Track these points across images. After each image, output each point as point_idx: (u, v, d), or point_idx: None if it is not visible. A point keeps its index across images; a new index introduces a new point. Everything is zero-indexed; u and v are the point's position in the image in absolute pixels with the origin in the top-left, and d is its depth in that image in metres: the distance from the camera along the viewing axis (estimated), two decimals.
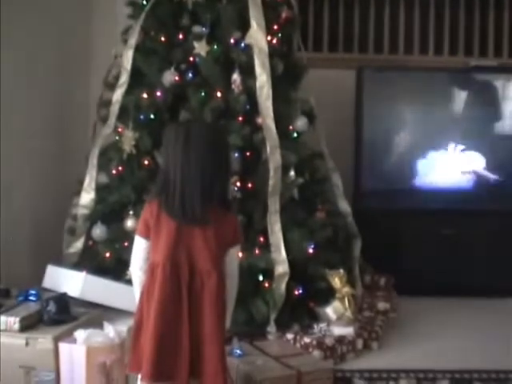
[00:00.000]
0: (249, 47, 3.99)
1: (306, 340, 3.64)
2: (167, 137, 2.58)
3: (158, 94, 4.03)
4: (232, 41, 4.04)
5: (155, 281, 2.51)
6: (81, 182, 4.13)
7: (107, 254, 3.94)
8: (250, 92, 3.97)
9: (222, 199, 2.58)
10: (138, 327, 2.57)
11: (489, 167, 4.95)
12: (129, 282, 3.14)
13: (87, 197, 4.09)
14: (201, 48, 4.00)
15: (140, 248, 2.60)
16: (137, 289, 2.63)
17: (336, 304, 3.82)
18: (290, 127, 4.10)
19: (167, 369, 2.50)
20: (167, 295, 2.49)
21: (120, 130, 4.07)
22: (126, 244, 3.79)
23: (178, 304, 2.50)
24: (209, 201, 2.51)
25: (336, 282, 3.85)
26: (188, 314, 2.51)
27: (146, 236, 2.57)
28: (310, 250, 3.92)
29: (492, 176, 4.94)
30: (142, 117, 4.06)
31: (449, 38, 5.53)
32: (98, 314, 3.37)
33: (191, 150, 2.49)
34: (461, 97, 5.02)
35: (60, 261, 4.01)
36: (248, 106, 3.99)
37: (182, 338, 2.51)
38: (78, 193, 4.14)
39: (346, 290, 3.85)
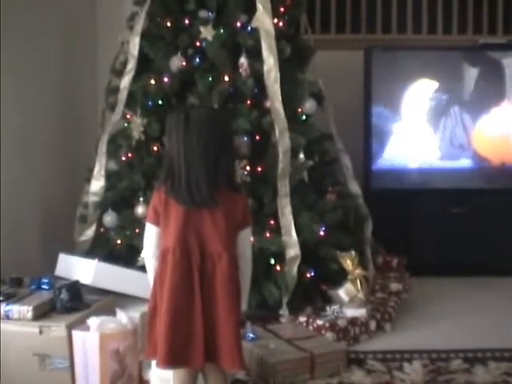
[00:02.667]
0: (255, 30, 3.97)
1: (319, 322, 3.64)
2: (168, 123, 2.57)
3: (166, 79, 4.02)
4: (238, 24, 4.02)
5: (166, 267, 2.51)
6: (91, 170, 4.14)
7: (118, 241, 3.96)
8: (258, 75, 3.96)
9: (229, 180, 2.56)
10: (153, 313, 2.56)
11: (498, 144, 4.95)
12: (140, 268, 3.15)
13: (97, 184, 4.10)
14: (207, 32, 3.99)
15: (151, 235, 2.59)
16: (151, 276, 2.62)
17: (348, 286, 3.82)
18: (299, 110, 4.10)
19: (182, 353, 2.49)
20: (178, 280, 2.49)
21: (128, 116, 4.08)
22: (137, 230, 3.80)
23: (190, 288, 2.49)
24: (215, 183, 2.49)
25: (348, 263, 3.84)
26: (201, 297, 2.50)
27: (157, 223, 2.56)
28: (321, 233, 3.92)
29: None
30: (150, 103, 4.07)
31: (457, 16, 5.49)
32: (110, 300, 3.37)
33: (192, 133, 2.48)
34: (470, 75, 4.98)
35: (72, 249, 4.02)
36: (256, 90, 3.99)
37: (195, 321, 2.49)
38: (88, 180, 4.15)
39: (358, 271, 3.84)
